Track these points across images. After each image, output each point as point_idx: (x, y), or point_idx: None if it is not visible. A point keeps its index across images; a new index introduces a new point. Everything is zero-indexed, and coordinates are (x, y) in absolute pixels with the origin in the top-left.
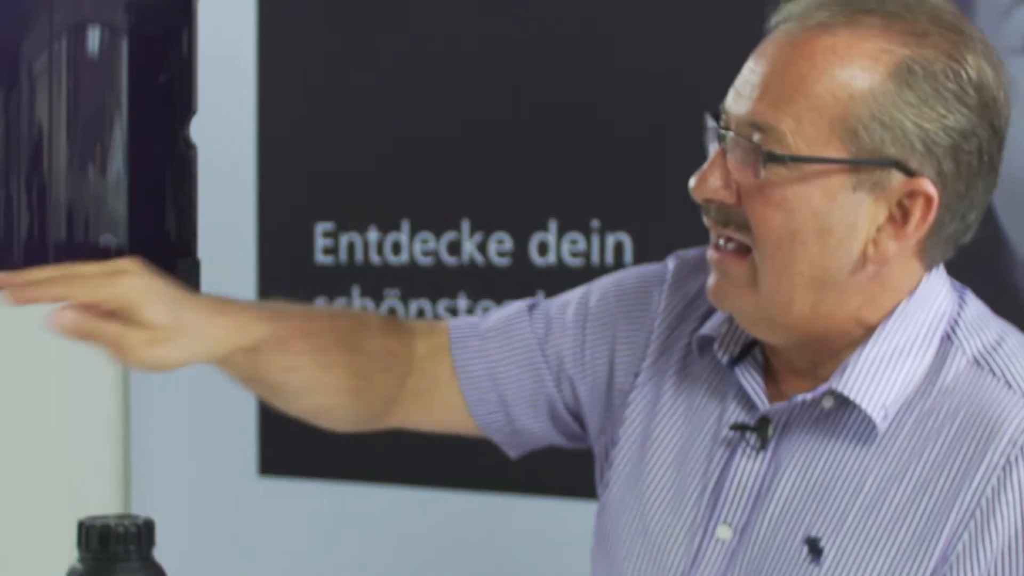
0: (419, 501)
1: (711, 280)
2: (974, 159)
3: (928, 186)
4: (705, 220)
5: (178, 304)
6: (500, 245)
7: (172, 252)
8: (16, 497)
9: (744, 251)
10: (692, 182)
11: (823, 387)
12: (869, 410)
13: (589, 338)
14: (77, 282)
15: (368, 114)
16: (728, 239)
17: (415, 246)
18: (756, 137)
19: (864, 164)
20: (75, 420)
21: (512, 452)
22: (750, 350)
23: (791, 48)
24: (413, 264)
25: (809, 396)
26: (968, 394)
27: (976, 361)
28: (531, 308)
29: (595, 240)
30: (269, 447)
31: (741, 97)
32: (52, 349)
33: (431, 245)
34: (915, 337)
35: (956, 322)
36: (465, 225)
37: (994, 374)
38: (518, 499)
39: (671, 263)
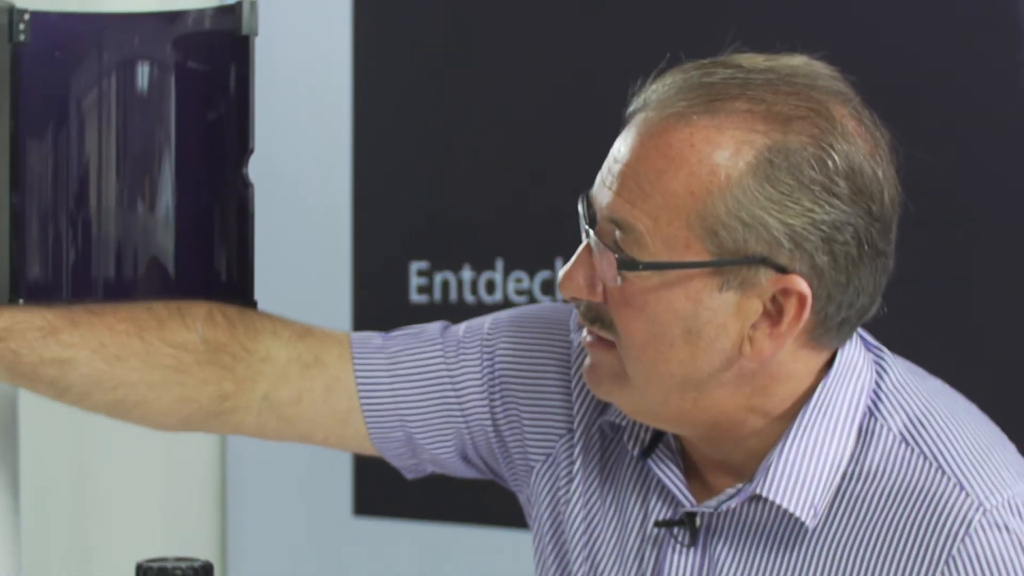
0: (514, 542)
1: (587, 362)
2: (852, 248)
3: (800, 283)
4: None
5: None
6: None
7: (224, 292)
8: (112, 537)
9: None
10: (560, 275)
11: (746, 491)
12: (797, 512)
13: (496, 389)
14: None
15: (463, 154)
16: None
17: (509, 285)
18: (617, 235)
19: (727, 264)
20: (173, 462)
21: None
22: (662, 436)
23: (648, 139)
24: (507, 303)
25: (734, 503)
26: (900, 479)
27: (903, 439)
28: (443, 342)
29: None
30: (364, 488)
31: (604, 187)
32: None
33: (525, 284)
34: (838, 419)
35: (877, 394)
36: (558, 264)
37: (924, 457)
38: None
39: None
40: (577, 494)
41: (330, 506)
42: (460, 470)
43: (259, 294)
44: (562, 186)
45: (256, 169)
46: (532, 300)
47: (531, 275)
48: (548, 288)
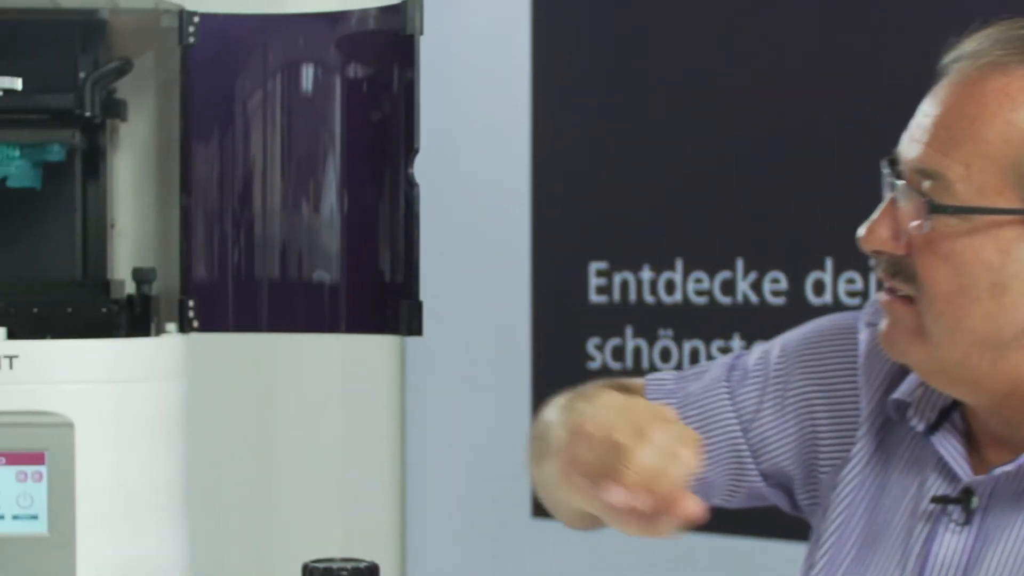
0: (689, 545)
1: (882, 325)
2: None
3: None
4: (875, 271)
5: None
6: (775, 284)
7: (389, 293)
8: (292, 539)
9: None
10: (861, 231)
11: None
12: None
13: (788, 410)
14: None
15: (642, 153)
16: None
17: (689, 285)
18: (926, 185)
19: None
20: (353, 465)
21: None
22: (948, 415)
23: (962, 89)
24: (687, 303)
25: (1011, 467)
26: None
27: None
28: (728, 379)
29: (872, 279)
30: None
31: (912, 141)
32: (332, 392)
33: (705, 284)
34: None
35: None
36: (739, 264)
37: None
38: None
39: (865, 313)
40: (850, 476)
41: (509, 508)
42: (737, 503)
43: (439, 295)
44: (742, 185)
45: (436, 170)
46: (712, 300)
47: (711, 275)
48: (728, 288)
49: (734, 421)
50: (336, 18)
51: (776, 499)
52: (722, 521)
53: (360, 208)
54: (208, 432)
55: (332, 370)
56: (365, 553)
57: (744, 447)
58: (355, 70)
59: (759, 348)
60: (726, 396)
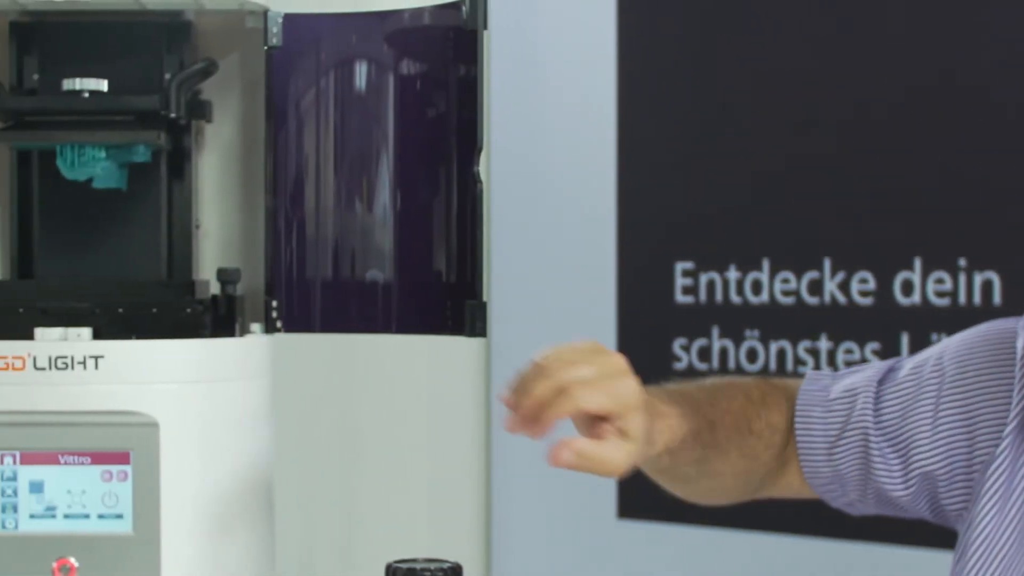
0: (780, 547)
1: None
2: None
3: None
4: None
5: (648, 411)
6: (863, 284)
7: (451, 293)
8: (378, 540)
9: None
10: None
11: None
12: None
13: (943, 415)
14: (579, 392)
15: (729, 151)
16: None
17: (776, 285)
18: None
19: None
20: (438, 465)
21: (852, 512)
22: None
23: None
24: (774, 304)
25: None
26: None
27: None
28: (882, 380)
29: (962, 279)
30: (629, 490)
31: None
32: (418, 393)
33: (792, 284)
34: None
35: None
36: (827, 264)
37: None
38: (873, 547)
39: None
40: (998, 472)
41: (594, 509)
42: (867, 506)
43: (523, 296)
44: (830, 184)
45: (521, 169)
46: (799, 300)
47: (798, 275)
48: (815, 288)
49: (872, 421)
50: (410, 14)
51: (912, 505)
52: (808, 523)
53: (427, 207)
54: (295, 432)
55: (418, 371)
56: (450, 554)
57: (878, 448)
58: (427, 67)
59: (922, 353)
60: (872, 396)
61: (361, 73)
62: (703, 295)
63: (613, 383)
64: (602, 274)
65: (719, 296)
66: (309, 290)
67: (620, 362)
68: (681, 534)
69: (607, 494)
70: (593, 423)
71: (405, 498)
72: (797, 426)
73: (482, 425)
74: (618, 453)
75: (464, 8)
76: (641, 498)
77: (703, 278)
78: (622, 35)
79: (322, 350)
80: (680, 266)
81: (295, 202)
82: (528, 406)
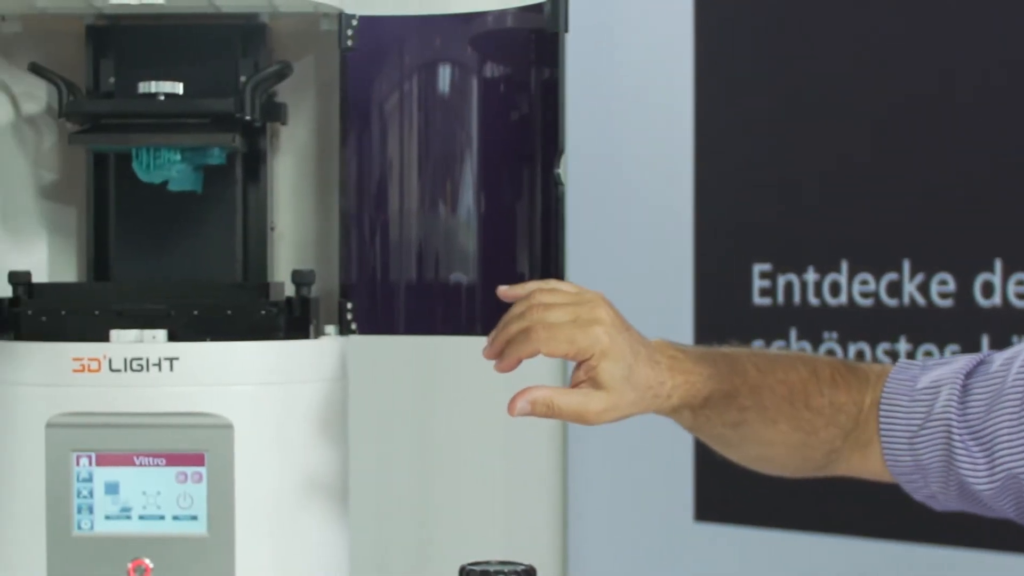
0: (859, 551)
1: None
2: None
3: None
4: None
5: (632, 361)
6: (942, 286)
7: None
8: (453, 542)
9: None
10: None
11: None
12: None
13: None
14: (547, 335)
15: (806, 153)
16: None
17: (854, 287)
18: None
19: None
20: (514, 468)
21: (935, 506)
22: None
23: None
24: (852, 305)
25: None
26: None
27: None
28: (969, 374)
29: None
30: (705, 493)
31: None
32: (494, 394)
33: (871, 286)
34: None
35: None
36: (906, 265)
37: None
38: (955, 552)
39: None
40: None
41: (671, 511)
42: (950, 501)
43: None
44: (909, 185)
45: (598, 170)
46: (878, 303)
47: (877, 277)
48: (894, 290)
49: (956, 413)
50: (493, 17)
51: (996, 502)
52: (888, 527)
53: (509, 210)
54: (371, 434)
55: (493, 372)
56: (526, 556)
57: (961, 440)
58: (509, 69)
59: (1014, 348)
60: (958, 388)
61: (443, 75)
62: (781, 297)
63: (578, 329)
64: (679, 276)
65: (797, 298)
66: (392, 292)
67: (596, 312)
68: (758, 537)
69: (684, 496)
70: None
71: (481, 500)
72: (881, 413)
73: (558, 426)
74: (588, 400)
75: (545, 10)
76: (718, 501)
77: (781, 280)
78: (699, 37)
79: (402, 351)
80: (758, 268)
81: (376, 204)
82: (496, 342)
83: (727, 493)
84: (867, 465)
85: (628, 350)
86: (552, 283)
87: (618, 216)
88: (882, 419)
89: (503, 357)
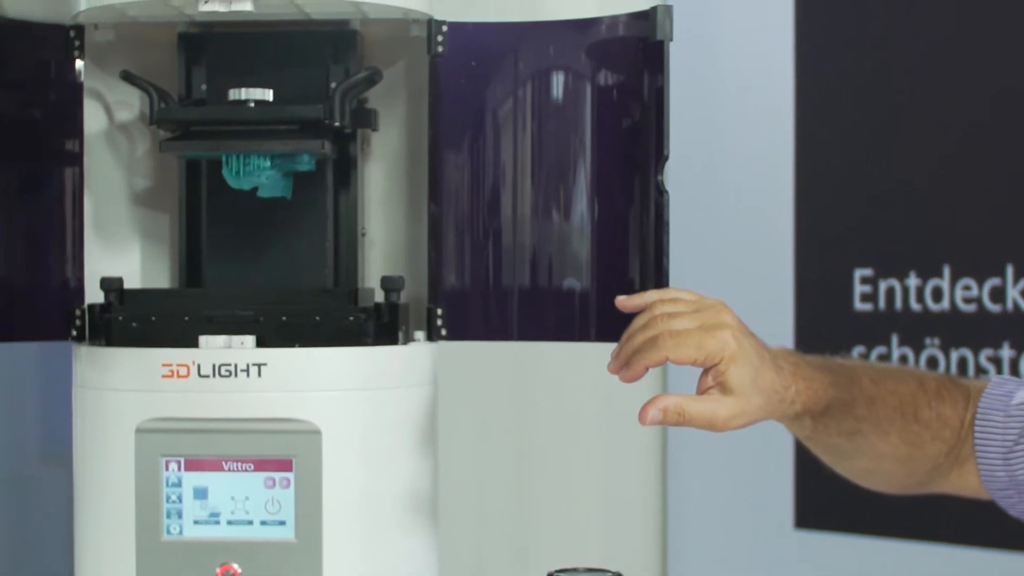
0: (965, 560)
1: None
2: None
3: None
4: None
5: (759, 365)
6: None
7: None
8: (552, 548)
9: None
10: None
11: None
12: None
13: None
14: (674, 342)
15: (907, 158)
16: None
17: (956, 292)
18: None
19: None
20: (613, 475)
21: None
22: None
23: None
24: (955, 311)
25: None
26: None
27: None
28: None
29: None
30: (806, 500)
31: None
32: (592, 401)
33: (973, 291)
34: None
35: None
36: (1009, 270)
37: None
38: None
39: None
40: None
41: (771, 518)
42: None
43: None
44: (1012, 189)
45: (700, 177)
46: (981, 308)
47: (979, 282)
48: (997, 295)
49: None
50: (584, 25)
51: None
52: (993, 535)
53: (610, 216)
54: (466, 440)
55: (591, 378)
56: (625, 565)
57: None
58: (604, 77)
59: None
60: None
61: (527, 80)
62: (882, 302)
63: (704, 335)
64: (780, 281)
65: (898, 303)
66: (475, 297)
67: (721, 317)
68: (861, 545)
69: (784, 503)
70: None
71: (580, 508)
72: (976, 429)
73: (658, 434)
74: (717, 406)
75: (651, 19)
76: (819, 508)
77: (882, 285)
78: (799, 42)
79: (502, 357)
80: (859, 273)
81: (461, 209)
82: (623, 352)
83: (828, 500)
84: (964, 481)
85: (755, 354)
86: (672, 292)
87: (718, 222)
88: (977, 435)
89: (629, 366)
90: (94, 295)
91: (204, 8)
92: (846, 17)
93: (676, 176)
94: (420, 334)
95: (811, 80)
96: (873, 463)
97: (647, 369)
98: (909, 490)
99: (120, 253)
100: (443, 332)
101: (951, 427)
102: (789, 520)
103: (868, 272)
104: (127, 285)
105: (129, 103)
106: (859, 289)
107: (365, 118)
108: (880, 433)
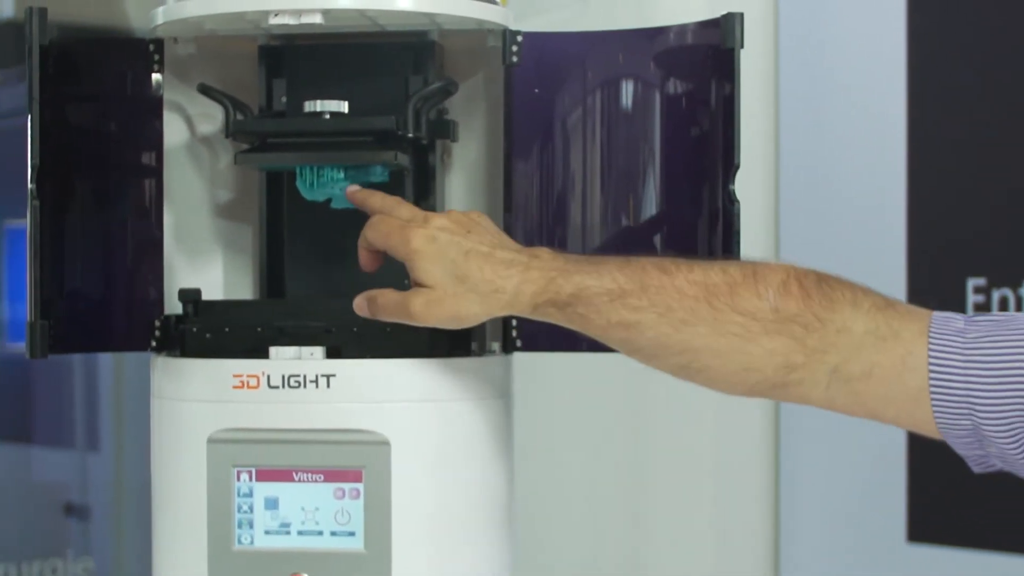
0: None
1: None
2: None
3: None
4: None
5: (460, 260)
6: None
7: None
8: (665, 557)
9: None
10: None
11: None
12: None
13: None
14: (371, 228)
15: (1020, 165)
16: None
17: None
18: None
19: None
20: (724, 484)
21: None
22: None
23: None
24: None
25: None
26: None
27: None
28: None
29: None
30: (919, 513)
31: None
32: (703, 416)
33: None
34: None
35: None
36: None
37: None
38: None
39: None
40: None
41: (883, 531)
42: None
43: None
44: None
45: (810, 182)
46: None
47: None
48: None
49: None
50: (655, 33)
51: None
52: None
53: (679, 225)
54: (579, 450)
55: (700, 393)
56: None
57: None
58: (674, 85)
59: None
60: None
61: (599, 89)
62: (995, 311)
63: (399, 231)
64: (892, 289)
65: (1011, 312)
66: None
67: (429, 220)
68: (977, 560)
69: (896, 516)
70: None
71: (690, 519)
72: (931, 361)
73: (771, 445)
74: (409, 296)
75: (722, 27)
76: (933, 520)
77: (995, 294)
78: (912, 48)
79: (609, 368)
80: (972, 282)
81: (535, 218)
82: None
83: (942, 512)
84: (871, 405)
85: (454, 250)
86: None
87: (829, 228)
88: (933, 379)
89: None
90: (174, 306)
91: (275, 21)
92: (961, 20)
93: (787, 185)
94: (496, 345)
95: (924, 85)
96: (685, 358)
97: (369, 256)
98: (764, 393)
99: (202, 264)
100: (518, 344)
101: (805, 326)
102: (902, 533)
103: (981, 281)
104: (210, 296)
105: (211, 116)
106: (972, 298)
107: (444, 129)
108: (675, 323)
